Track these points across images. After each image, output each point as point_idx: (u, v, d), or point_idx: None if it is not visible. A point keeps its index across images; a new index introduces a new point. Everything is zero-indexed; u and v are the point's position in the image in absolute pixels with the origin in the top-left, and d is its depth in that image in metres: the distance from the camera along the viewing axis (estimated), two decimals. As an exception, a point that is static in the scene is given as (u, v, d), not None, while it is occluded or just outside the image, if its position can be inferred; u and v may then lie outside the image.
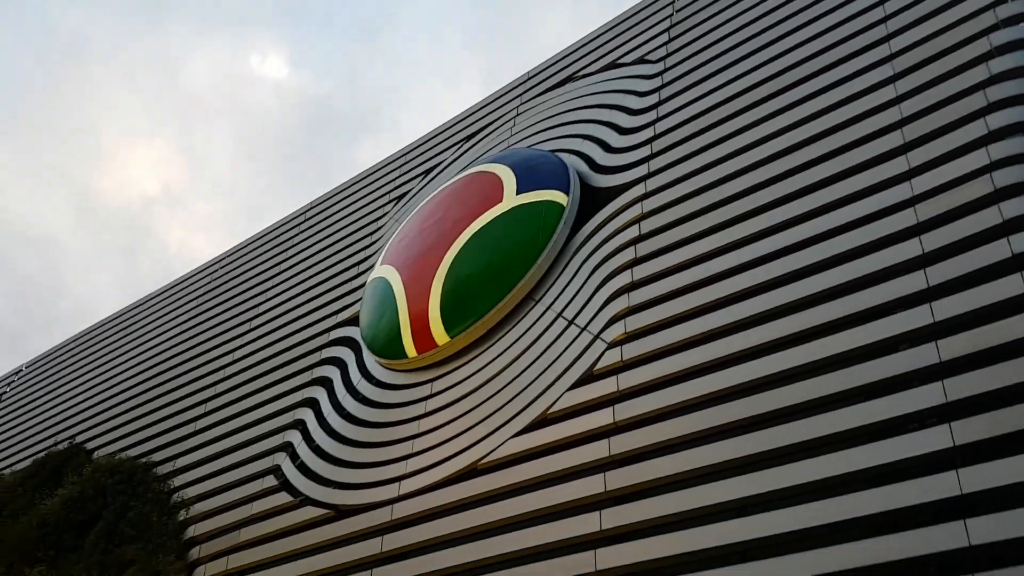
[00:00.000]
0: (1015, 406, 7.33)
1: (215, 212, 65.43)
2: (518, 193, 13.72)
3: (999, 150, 8.87)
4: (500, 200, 13.82)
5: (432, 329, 13.28)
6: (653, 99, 14.04)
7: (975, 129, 9.21)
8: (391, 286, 14.42)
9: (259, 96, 67.76)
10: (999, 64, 9.51)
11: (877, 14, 11.41)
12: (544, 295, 12.64)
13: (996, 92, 9.31)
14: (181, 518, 15.03)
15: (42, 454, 19.91)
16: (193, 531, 14.61)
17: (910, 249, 8.92)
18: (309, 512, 12.95)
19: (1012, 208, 8.36)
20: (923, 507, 7.34)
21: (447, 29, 67.99)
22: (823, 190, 10.30)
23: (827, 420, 8.39)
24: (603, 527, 9.32)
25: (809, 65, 11.87)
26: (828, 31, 11.99)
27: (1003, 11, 9.94)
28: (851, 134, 10.51)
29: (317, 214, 20.43)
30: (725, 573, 8.13)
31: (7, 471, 20.63)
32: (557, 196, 13.34)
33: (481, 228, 13.67)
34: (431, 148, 18.98)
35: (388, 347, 13.89)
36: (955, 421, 7.53)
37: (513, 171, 14.18)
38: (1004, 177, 8.67)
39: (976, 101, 9.41)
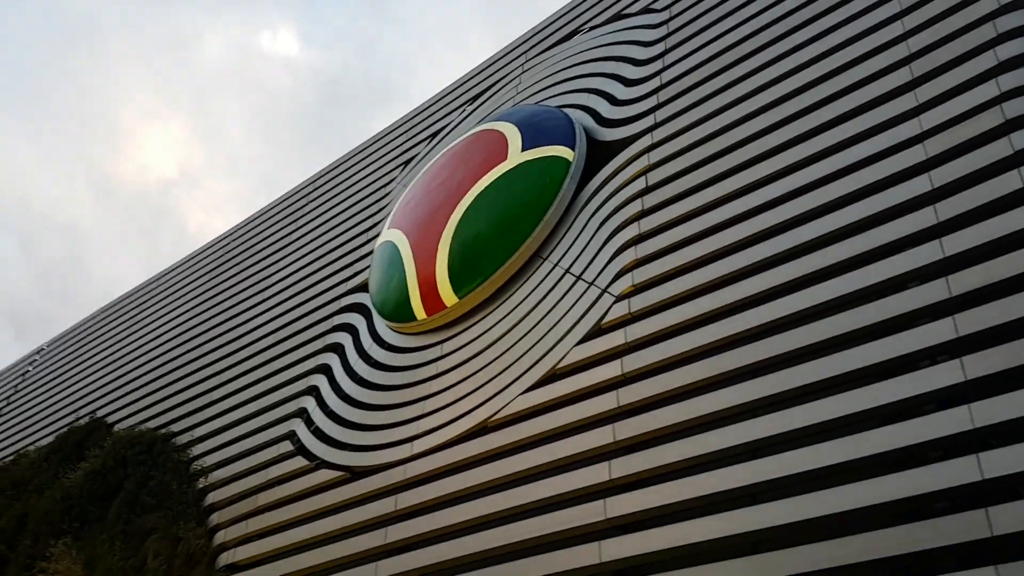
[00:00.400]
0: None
1: (233, 191, 65.75)
2: (523, 150, 13.55)
3: (1009, 80, 8.60)
4: (505, 158, 13.66)
5: (440, 291, 13.21)
6: (659, 48, 13.78)
7: (984, 61, 8.94)
8: (398, 250, 14.34)
9: (272, 73, 67.73)
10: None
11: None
12: (551, 252, 12.52)
13: (1005, 23, 9.01)
14: (200, 486, 15.19)
15: (64, 429, 20.21)
16: (212, 498, 14.75)
17: (919, 185, 8.71)
18: (324, 475, 13.03)
19: (1022, 139, 8.11)
20: (936, 442, 7.21)
21: (457, -1, 67.34)
22: (830, 131, 10.07)
23: (836, 361, 8.25)
24: (612, 476, 9.27)
25: (815, 5, 11.56)
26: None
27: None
28: (858, 73, 10.25)
29: (326, 183, 20.39)
30: (736, 516, 8.05)
31: (32, 447, 20.98)
32: (563, 151, 13.16)
33: (487, 187, 13.53)
34: (437, 111, 18.84)
35: (397, 311, 13.85)
36: (966, 356, 7.36)
37: (518, 128, 14.00)
38: (1014, 108, 8.41)
39: (986, 32, 9.12)
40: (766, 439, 8.35)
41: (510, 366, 11.55)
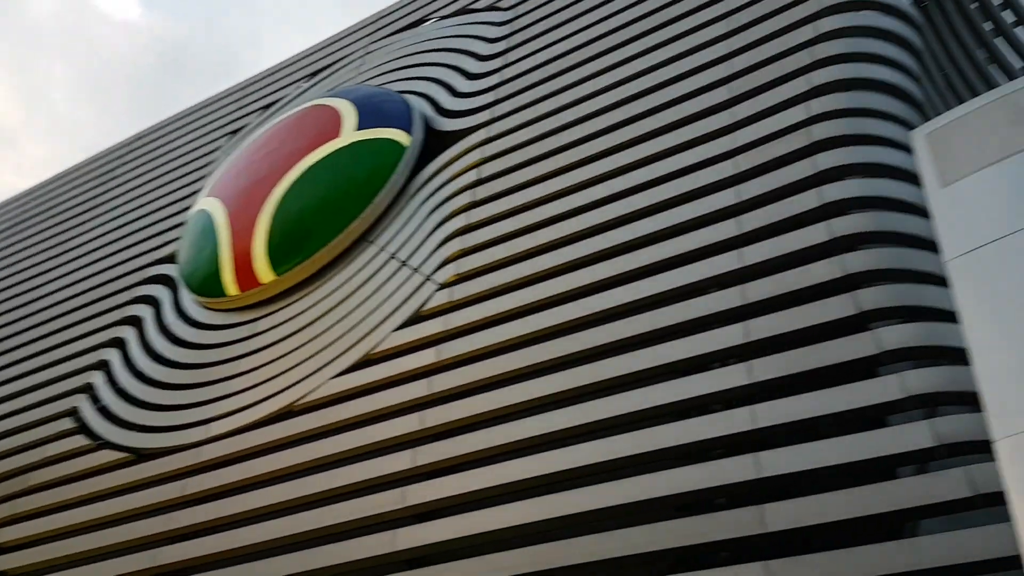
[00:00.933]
0: (805, 347, 7.59)
1: (51, 154, 60.35)
2: (358, 129, 13.14)
3: (819, 105, 9.17)
4: (338, 135, 13.20)
5: (256, 266, 12.55)
6: (501, 46, 13.82)
7: (798, 85, 9.50)
8: (213, 220, 13.52)
9: (107, 35, 62.90)
10: (827, 23, 9.86)
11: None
12: (378, 236, 12.19)
13: (821, 50, 9.64)
14: (-36, 461, 13.64)
15: None
16: (-23, 476, 13.28)
17: (726, 198, 9.12)
18: (107, 456, 12.01)
19: (825, 160, 8.66)
20: (719, 440, 7.50)
21: (310, -22, 65.26)
22: (651, 140, 10.42)
23: (637, 358, 8.49)
24: (416, 464, 9.06)
25: (649, 20, 11.97)
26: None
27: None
28: (681, 88, 10.68)
29: (144, 145, 19.05)
30: (529, 505, 8.06)
31: None
32: (399, 135, 12.88)
33: (316, 163, 13.01)
34: (273, 83, 18.05)
35: (206, 284, 13.03)
36: (754, 360, 7.73)
37: (355, 106, 13.58)
38: (821, 131, 8.97)
39: (802, 59, 9.72)
40: (566, 430, 8.44)
41: (324, 349, 11.11)
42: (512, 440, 8.77)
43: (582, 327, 9.23)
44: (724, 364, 7.93)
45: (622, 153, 10.56)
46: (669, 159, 9.96)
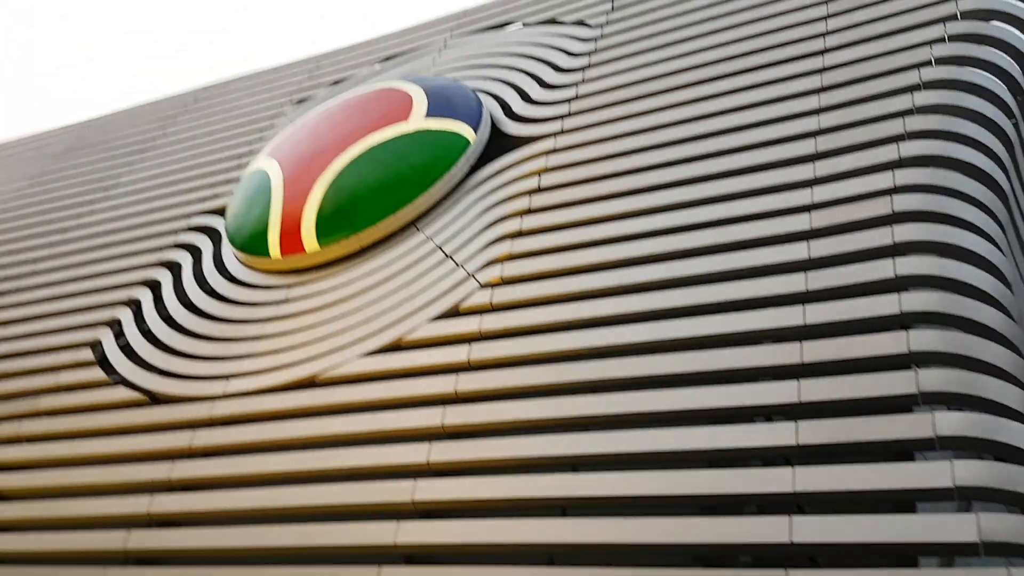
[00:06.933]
0: (860, 417, 7.33)
1: (99, 75, 60.35)
2: (427, 116, 13.04)
3: (904, 176, 8.93)
4: (406, 119, 13.10)
5: (303, 233, 12.44)
6: (583, 61, 13.68)
7: (887, 153, 9.27)
8: (269, 179, 13.44)
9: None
10: (923, 98, 9.63)
11: (819, 27, 11.42)
12: (428, 225, 12.05)
13: (914, 123, 9.41)
14: (-22, 374, 13.59)
15: None
16: (-12, 389, 13.23)
17: (797, 251, 8.88)
18: (121, 393, 11.90)
19: (905, 232, 8.41)
20: (753, 496, 7.24)
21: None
22: (722, 180, 10.18)
23: (676, 396, 8.22)
24: (430, 460, 8.85)
25: (740, 62, 11.77)
26: (767, 34, 11.92)
27: (938, 50, 10.08)
28: (765, 134, 10.45)
29: (209, 98, 19.10)
30: (539, 524, 7.82)
31: None
32: (465, 130, 12.77)
33: (379, 143, 12.90)
34: (346, 60, 18.04)
35: (250, 242, 12.93)
36: (802, 421, 7.47)
37: (426, 94, 13.48)
38: (903, 203, 8.73)
39: (894, 127, 9.48)
40: (591, 456, 8.20)
41: (356, 326, 10.95)
42: (532, 455, 8.55)
43: (622, 354, 9.01)
44: (769, 420, 7.67)
45: (692, 187, 10.35)
46: (742, 201, 9.74)
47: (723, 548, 7.04)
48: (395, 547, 8.34)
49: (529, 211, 11.33)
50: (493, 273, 10.66)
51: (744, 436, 7.65)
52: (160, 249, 14.49)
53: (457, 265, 11.09)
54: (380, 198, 12.25)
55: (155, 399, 11.57)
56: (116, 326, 13.21)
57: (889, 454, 7.10)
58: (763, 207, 9.56)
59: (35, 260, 15.91)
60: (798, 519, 6.88)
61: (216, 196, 15.15)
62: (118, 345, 12.84)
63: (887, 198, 8.83)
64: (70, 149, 19.73)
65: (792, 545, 6.77)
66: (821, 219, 9.04)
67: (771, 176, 9.84)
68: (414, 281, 11.23)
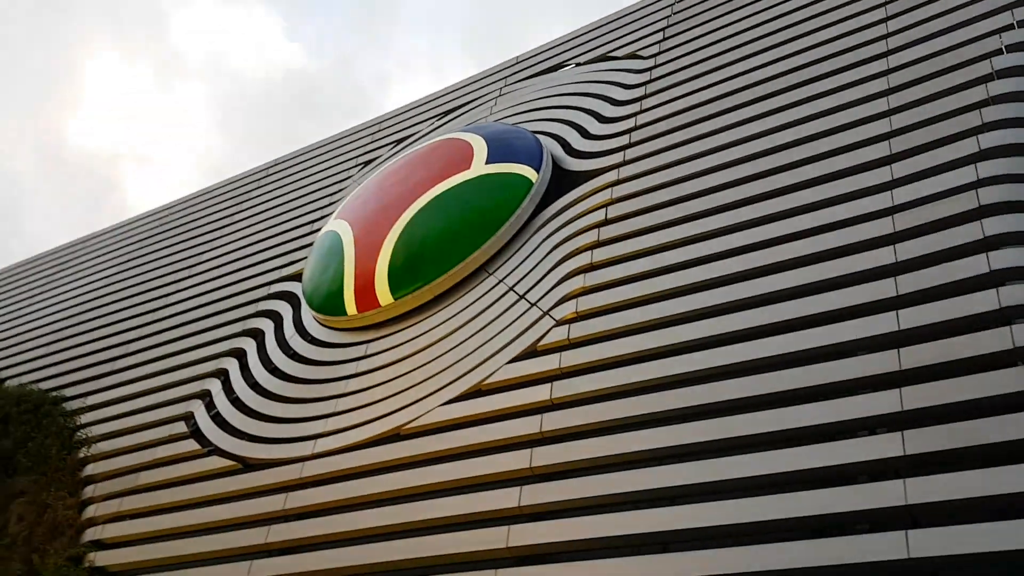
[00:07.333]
0: (969, 421, 6.88)
1: (181, 175, 63.88)
2: (488, 163, 13.15)
3: (988, 168, 8.51)
4: (468, 167, 13.24)
5: (377, 288, 12.59)
6: (639, 92, 13.63)
7: (967, 146, 8.86)
8: (341, 240, 13.71)
9: (246, 63, 66.60)
10: (998, 87, 9.22)
11: (879, 30, 11.12)
12: (499, 268, 12.05)
13: (991, 113, 9.00)
14: (81, 455, 14.09)
15: (-49, 378, 18.76)
16: (91, 469, 13.70)
17: (883, 256, 8.51)
18: (215, 462, 12.13)
19: (994, 225, 7.98)
20: (864, 513, 6.83)
21: (447, 27, 67.44)
22: (795, 193, 9.90)
23: (770, 417, 7.89)
24: (522, 503, 8.68)
25: (800, 74, 11.52)
26: (824, 44, 11.66)
27: (1008, 37, 9.68)
28: (835, 141, 10.13)
29: (280, 171, 19.68)
30: (641, 561, 7.54)
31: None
32: (527, 171, 12.80)
33: (443, 192, 13.05)
34: (407, 119, 18.39)
35: (328, 302, 13.16)
36: (908, 430, 7.06)
37: (485, 141, 13.62)
38: (989, 195, 8.30)
39: (971, 119, 9.08)
40: (684, 487, 7.91)
41: (435, 375, 10.95)
42: (625, 491, 8.31)
43: (708, 379, 8.73)
44: (873, 432, 7.27)
45: (765, 202, 10.09)
46: (819, 211, 9.43)
47: (838, 569, 6.63)
48: (494, 596, 8.16)
49: (599, 244, 11.23)
50: (568, 309, 10.54)
51: (848, 452, 7.26)
52: (243, 319, 14.87)
53: (531, 304, 11.02)
54: (449, 246, 12.33)
55: (248, 465, 11.74)
56: (207, 397, 13.54)
57: (1006, 457, 6.61)
58: (843, 215, 9.22)
59: (128, 342, 16.50)
60: (914, 533, 6.44)
61: (292, 263, 15.51)
62: (209, 415, 13.14)
63: (971, 192, 8.42)
64: (154, 233, 20.56)
65: (909, 560, 6.33)
66: (905, 221, 8.67)
67: (847, 183, 9.51)
68: (489, 324, 11.20)
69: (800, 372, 8.13)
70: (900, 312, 7.89)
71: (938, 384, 7.22)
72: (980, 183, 8.48)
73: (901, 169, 9.26)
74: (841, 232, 9.06)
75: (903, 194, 8.97)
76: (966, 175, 8.64)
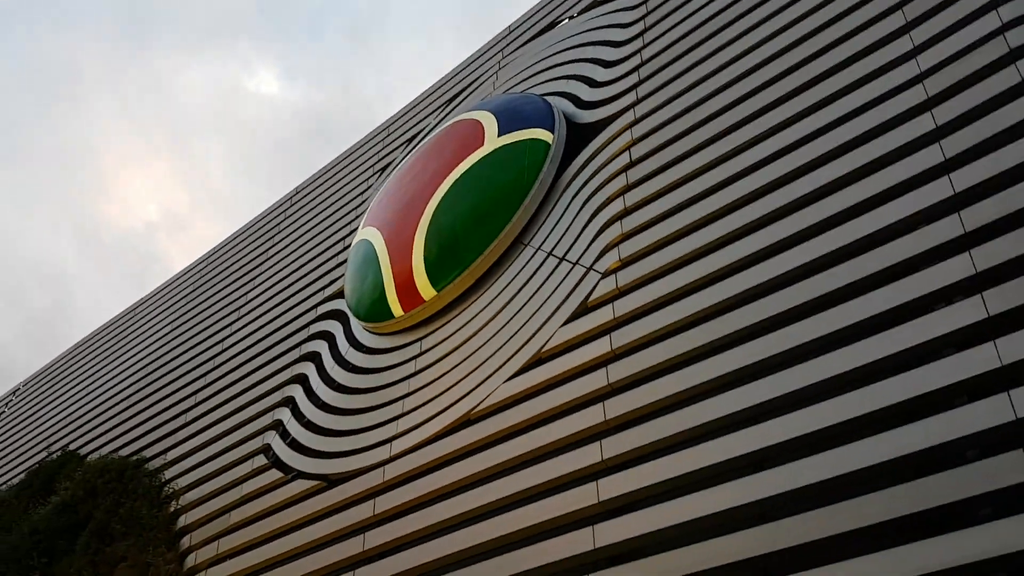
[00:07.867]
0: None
1: (218, 232, 65.14)
2: (500, 135, 12.93)
3: (1010, 11, 8.02)
4: (482, 144, 13.03)
5: (417, 284, 12.48)
6: (638, 27, 13.25)
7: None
8: (373, 246, 13.63)
9: (253, 111, 67.56)
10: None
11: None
12: (533, 237, 11.84)
13: None
14: (172, 509, 14.30)
15: (35, 466, 19.27)
16: (183, 520, 13.87)
17: (922, 125, 8.09)
18: (300, 486, 12.17)
19: (1033, 66, 7.51)
20: (960, 385, 6.47)
21: (438, 24, 67.52)
22: (818, 85, 9.47)
23: (836, 315, 7.55)
24: (604, 457, 8.48)
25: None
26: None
27: None
28: (849, 23, 9.67)
29: (302, 198, 19.77)
30: (740, 486, 7.27)
31: (3, 487, 20.00)
32: (542, 134, 12.54)
33: (462, 174, 12.87)
34: (414, 116, 18.27)
35: (373, 309, 13.09)
36: (987, 291, 6.67)
37: (493, 114, 13.41)
38: (1018, 37, 7.83)
39: None
40: (767, 403, 7.61)
41: (493, 355, 10.80)
42: (706, 421, 8.04)
43: (765, 292, 8.42)
44: (950, 303, 6.89)
45: (786, 104, 9.71)
46: (840, 100, 9.05)
47: (945, 448, 6.28)
48: (596, 551, 7.99)
49: (628, 187, 10.94)
50: (611, 259, 10.30)
51: (932, 327, 6.88)
52: (298, 345, 14.93)
53: (573, 264, 10.80)
54: (479, 227, 12.14)
55: (332, 481, 11.75)
56: (280, 427, 13.62)
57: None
58: (869, 95, 8.80)
59: (194, 392, 16.71)
60: (1016, 392, 6.07)
61: (332, 281, 15.52)
62: (285, 443, 13.19)
63: (1000, 38, 7.94)
64: (197, 285, 20.82)
65: (1019, 420, 5.96)
66: (936, 84, 8.21)
67: (868, 63, 9.07)
68: (536, 293, 11.00)
69: (857, 263, 7.77)
70: (952, 175, 7.48)
71: (1006, 238, 6.81)
72: (1005, 27, 8.00)
73: (921, 34, 8.79)
74: (873, 112, 8.66)
75: (928, 58, 8.51)
76: (989, 23, 8.15)
